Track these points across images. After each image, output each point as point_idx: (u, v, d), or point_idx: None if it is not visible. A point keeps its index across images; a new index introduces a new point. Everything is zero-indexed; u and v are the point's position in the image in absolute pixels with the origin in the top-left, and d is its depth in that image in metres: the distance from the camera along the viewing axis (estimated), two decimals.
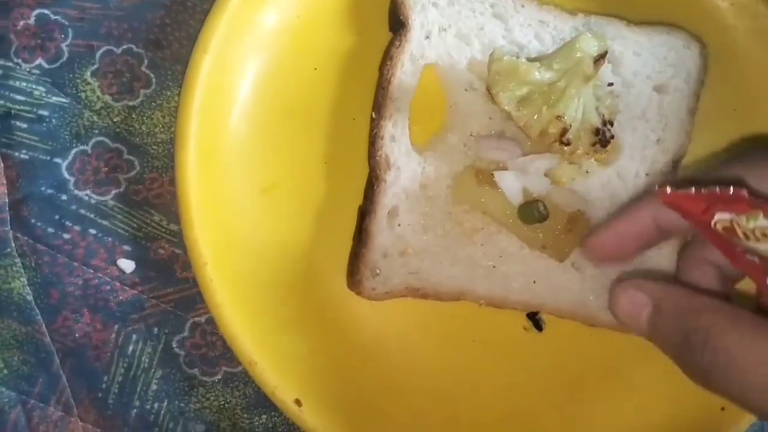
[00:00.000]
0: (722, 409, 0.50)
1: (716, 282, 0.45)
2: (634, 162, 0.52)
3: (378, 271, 0.49)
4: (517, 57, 0.51)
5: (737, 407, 0.49)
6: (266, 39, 0.52)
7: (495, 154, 0.51)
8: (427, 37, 0.52)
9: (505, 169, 0.50)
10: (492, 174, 0.50)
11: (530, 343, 0.52)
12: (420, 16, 0.52)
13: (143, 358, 0.52)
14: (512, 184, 0.50)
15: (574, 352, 0.52)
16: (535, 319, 0.52)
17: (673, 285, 0.44)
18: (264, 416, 0.52)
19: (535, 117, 0.49)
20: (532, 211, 0.48)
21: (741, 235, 0.38)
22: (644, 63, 0.53)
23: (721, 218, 0.39)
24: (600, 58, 0.48)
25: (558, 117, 0.49)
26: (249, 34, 0.51)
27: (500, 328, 0.52)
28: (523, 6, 0.53)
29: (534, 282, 0.50)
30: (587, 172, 0.52)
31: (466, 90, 0.52)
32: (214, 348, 0.52)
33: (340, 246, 0.50)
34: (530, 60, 0.50)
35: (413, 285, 0.50)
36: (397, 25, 0.52)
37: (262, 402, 0.52)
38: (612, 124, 0.50)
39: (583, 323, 0.51)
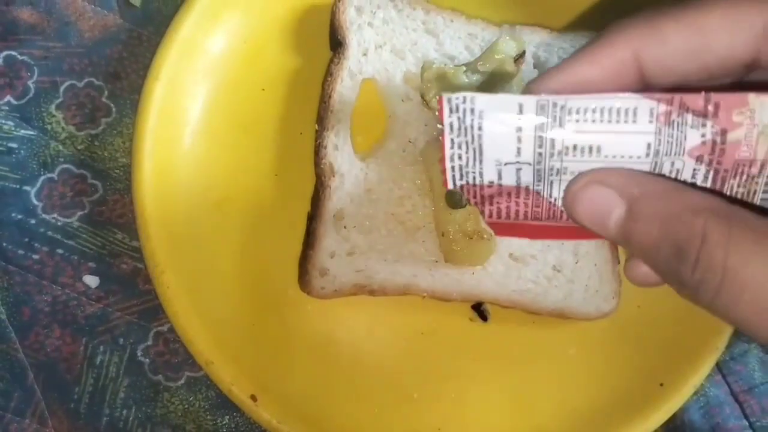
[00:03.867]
0: (661, 384, 0.52)
1: None
2: None
3: (326, 271, 0.52)
4: (448, 65, 0.55)
5: (675, 379, 0.52)
6: (215, 64, 0.56)
7: None
8: (365, 54, 0.56)
9: None
10: None
11: (477, 333, 0.55)
12: (357, 35, 0.56)
13: (111, 368, 0.54)
14: None
15: (519, 339, 0.55)
16: (480, 309, 0.55)
17: (649, 176, 0.33)
18: (227, 417, 0.55)
19: None
20: (457, 194, 0.50)
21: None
22: None
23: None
24: (519, 57, 0.52)
25: None
26: (198, 61, 0.55)
27: (447, 319, 0.54)
28: (452, 21, 0.57)
29: (473, 273, 0.53)
30: None
31: (402, 101, 0.56)
32: (177, 354, 0.55)
33: (290, 251, 0.53)
34: (458, 65, 0.54)
35: (360, 282, 0.52)
36: (336, 44, 0.56)
37: (224, 403, 0.54)
38: None
39: (524, 311, 0.54)
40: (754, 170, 0.33)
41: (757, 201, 0.33)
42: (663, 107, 0.32)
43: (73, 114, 0.57)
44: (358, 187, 0.54)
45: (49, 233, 0.55)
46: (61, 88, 0.57)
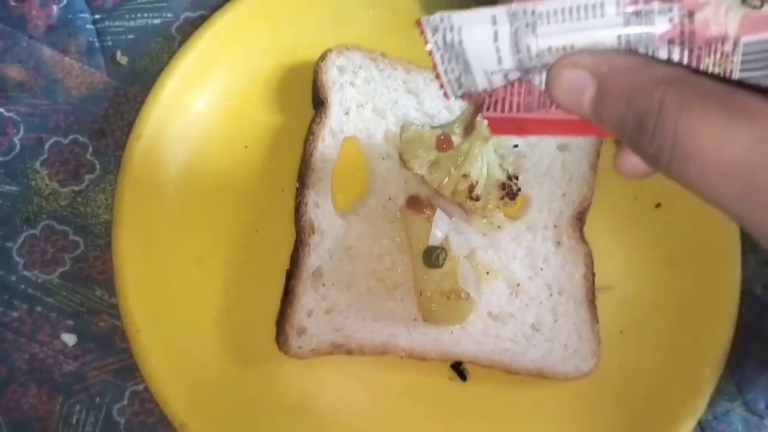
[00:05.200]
0: None
1: None
2: (542, 215, 0.56)
3: (304, 330, 0.52)
4: (425, 127, 0.56)
5: None
6: (199, 121, 0.56)
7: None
8: (346, 113, 0.57)
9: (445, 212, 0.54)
10: (435, 208, 0.54)
11: (456, 393, 0.54)
12: (339, 95, 0.56)
13: (86, 428, 0.54)
14: (442, 226, 0.53)
15: (498, 400, 0.54)
16: (459, 369, 0.55)
17: (619, 53, 0.34)
18: None
19: (446, 179, 0.53)
20: (433, 253, 0.51)
21: None
22: None
23: None
24: None
25: (464, 175, 0.53)
26: (182, 118, 0.56)
27: (426, 380, 0.54)
28: (432, 80, 0.58)
29: (452, 332, 0.53)
30: (498, 227, 0.55)
31: (383, 159, 0.56)
32: (152, 414, 0.54)
33: (269, 309, 0.53)
34: (434, 128, 0.55)
35: (338, 341, 0.52)
36: (319, 103, 0.56)
37: None
38: (517, 179, 0.54)
39: (503, 371, 0.53)
40: (728, 48, 0.33)
41: (735, 77, 0.33)
42: None
43: (57, 170, 0.57)
44: (337, 244, 0.54)
45: (29, 290, 0.55)
46: (47, 145, 0.58)
